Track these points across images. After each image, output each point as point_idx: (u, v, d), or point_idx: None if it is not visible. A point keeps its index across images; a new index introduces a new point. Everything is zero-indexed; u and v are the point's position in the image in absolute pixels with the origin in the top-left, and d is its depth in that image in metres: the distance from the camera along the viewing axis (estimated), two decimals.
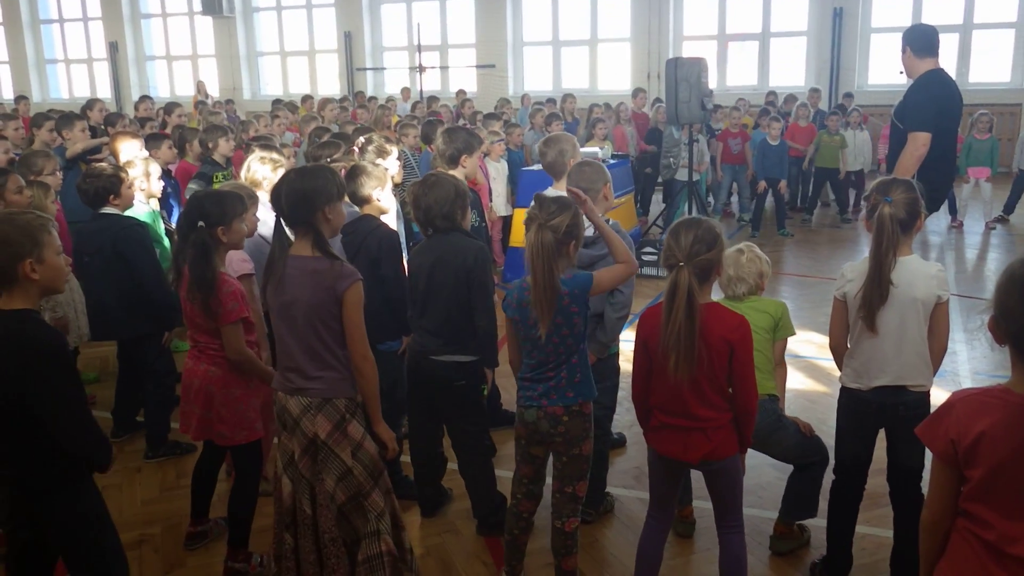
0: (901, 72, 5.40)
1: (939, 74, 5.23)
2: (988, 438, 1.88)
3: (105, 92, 22.73)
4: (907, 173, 4.98)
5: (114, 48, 22.64)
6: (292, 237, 3.01)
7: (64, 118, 7.24)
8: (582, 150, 7.56)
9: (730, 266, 3.56)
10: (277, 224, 2.98)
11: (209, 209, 3.32)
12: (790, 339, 3.78)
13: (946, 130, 5.32)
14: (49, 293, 2.74)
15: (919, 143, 5.01)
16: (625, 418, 4.88)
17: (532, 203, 3.06)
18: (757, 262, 3.65)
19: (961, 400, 1.95)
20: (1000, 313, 1.88)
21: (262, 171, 4.58)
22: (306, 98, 14.06)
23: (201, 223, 3.27)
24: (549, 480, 3.29)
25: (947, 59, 15.14)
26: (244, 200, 3.56)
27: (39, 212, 2.75)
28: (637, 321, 3.00)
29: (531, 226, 2.97)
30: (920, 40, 5.20)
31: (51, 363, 2.51)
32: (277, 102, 12.91)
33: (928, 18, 15.68)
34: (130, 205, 4.73)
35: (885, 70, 15.56)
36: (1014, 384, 1.89)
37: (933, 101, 5.08)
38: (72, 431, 2.57)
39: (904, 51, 5.25)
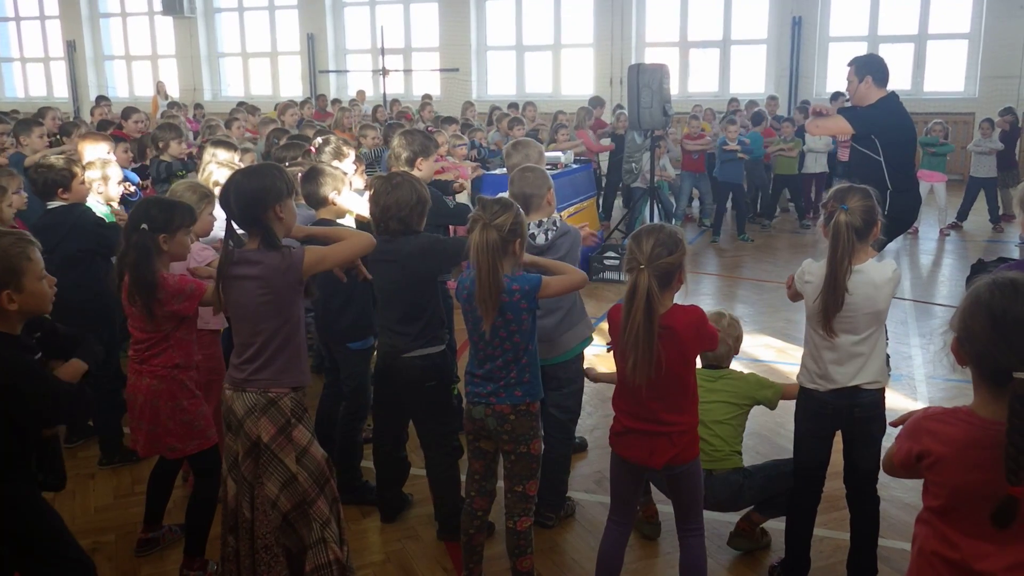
0: (848, 100, 5.64)
1: (897, 99, 5.47)
2: (950, 459, 1.90)
3: (62, 92, 22.36)
4: (818, 128, 5.81)
5: (72, 47, 22.27)
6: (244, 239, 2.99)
7: (22, 124, 7.06)
8: (546, 155, 7.58)
9: None
10: (228, 226, 2.95)
11: (155, 215, 3.26)
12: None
13: (910, 159, 5.58)
14: (31, 316, 2.65)
15: (845, 128, 5.50)
16: (586, 422, 4.89)
17: (476, 206, 3.09)
18: (736, 326, 3.75)
19: (927, 418, 1.97)
20: (963, 335, 1.88)
21: (217, 174, 4.60)
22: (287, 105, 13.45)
23: (144, 226, 3.21)
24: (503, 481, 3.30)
25: (902, 69, 15.48)
26: (193, 212, 3.50)
27: (19, 234, 2.65)
28: (607, 318, 3.04)
29: (475, 226, 3.00)
30: (882, 70, 5.50)
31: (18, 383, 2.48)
32: (241, 104, 12.73)
33: (884, 28, 16.00)
34: (82, 201, 4.59)
35: (843, 78, 15.72)
36: (977, 407, 1.91)
37: (903, 127, 5.47)
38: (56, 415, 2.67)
39: (863, 80, 5.44)
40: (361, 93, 16.50)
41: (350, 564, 3.15)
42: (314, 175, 4.03)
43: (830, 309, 3.05)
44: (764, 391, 3.69)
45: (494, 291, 2.95)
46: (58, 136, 8.11)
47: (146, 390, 3.35)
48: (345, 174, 4.25)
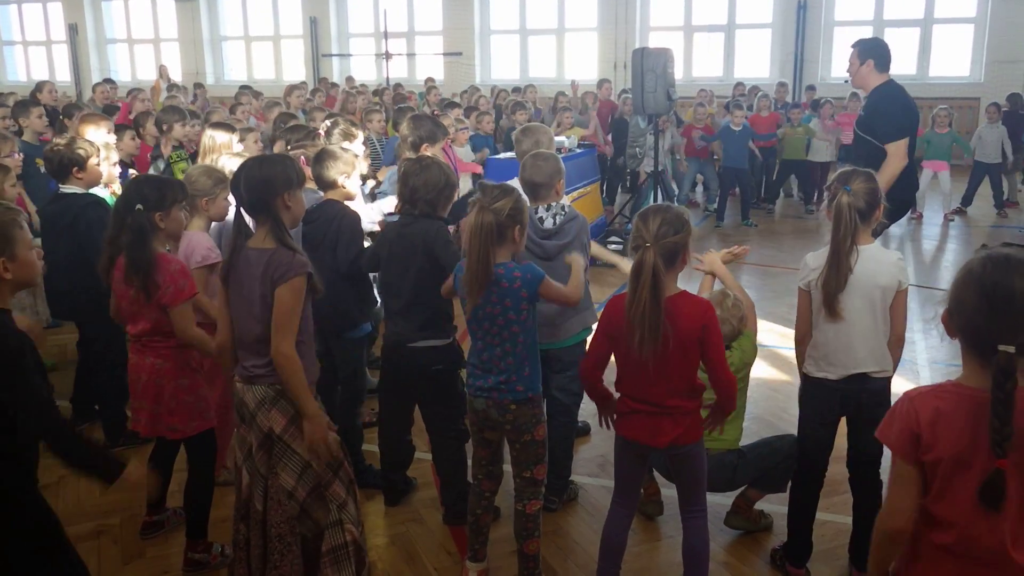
0: (847, 81, 5.52)
1: (898, 85, 5.39)
2: (944, 431, 1.91)
3: (64, 75, 22.29)
4: (890, 183, 5.03)
5: (74, 30, 22.19)
6: (252, 227, 2.99)
7: (20, 105, 7.06)
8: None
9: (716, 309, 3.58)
10: (237, 213, 2.96)
11: (147, 193, 3.26)
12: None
13: (909, 140, 5.47)
14: (22, 288, 2.65)
15: (901, 152, 5.11)
16: (590, 407, 4.85)
17: (476, 191, 3.09)
18: (739, 307, 3.72)
19: (917, 395, 1.98)
20: (954, 307, 1.91)
21: (230, 164, 4.59)
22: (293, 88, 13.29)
23: (139, 206, 3.21)
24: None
25: (907, 53, 15.40)
26: (185, 188, 3.49)
27: (7, 204, 2.65)
28: (603, 308, 3.02)
29: (473, 208, 3.01)
30: (884, 55, 5.39)
31: (10, 366, 2.43)
32: (245, 88, 12.66)
33: (889, 12, 15.90)
34: (96, 182, 4.62)
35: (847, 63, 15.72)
36: (965, 378, 1.93)
37: (904, 111, 5.26)
38: (40, 429, 2.52)
39: (864, 63, 5.37)
40: (350, 80, 16.24)
41: (363, 545, 3.17)
42: (323, 157, 4.03)
43: (832, 289, 3.05)
44: (745, 344, 3.65)
45: (482, 274, 2.97)
46: (61, 117, 8.11)
47: (150, 369, 3.36)
48: (356, 156, 4.25)
